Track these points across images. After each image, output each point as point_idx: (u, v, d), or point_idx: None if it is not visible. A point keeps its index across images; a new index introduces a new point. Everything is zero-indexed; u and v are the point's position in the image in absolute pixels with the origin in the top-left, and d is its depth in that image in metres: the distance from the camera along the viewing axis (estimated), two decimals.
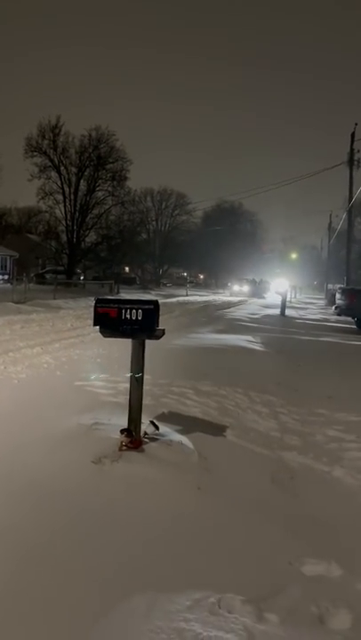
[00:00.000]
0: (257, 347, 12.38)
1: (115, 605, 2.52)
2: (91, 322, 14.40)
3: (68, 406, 5.66)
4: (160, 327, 4.64)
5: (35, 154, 45.85)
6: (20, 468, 3.87)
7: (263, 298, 47.58)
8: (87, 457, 4.16)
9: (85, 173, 47.92)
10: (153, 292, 44.54)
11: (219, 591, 2.73)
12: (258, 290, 51.58)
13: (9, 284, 32.82)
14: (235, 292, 51.42)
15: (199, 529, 3.40)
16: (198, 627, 2.42)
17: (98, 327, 4.71)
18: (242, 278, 57.09)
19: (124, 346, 7.89)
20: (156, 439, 4.71)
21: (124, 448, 4.34)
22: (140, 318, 4.54)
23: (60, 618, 2.41)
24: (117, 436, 4.52)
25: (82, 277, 52.97)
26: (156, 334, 4.64)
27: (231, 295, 48.46)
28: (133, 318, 4.55)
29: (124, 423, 4.68)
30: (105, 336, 4.77)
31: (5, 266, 45.51)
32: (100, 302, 4.74)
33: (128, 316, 4.56)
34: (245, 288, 51.89)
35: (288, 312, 26.33)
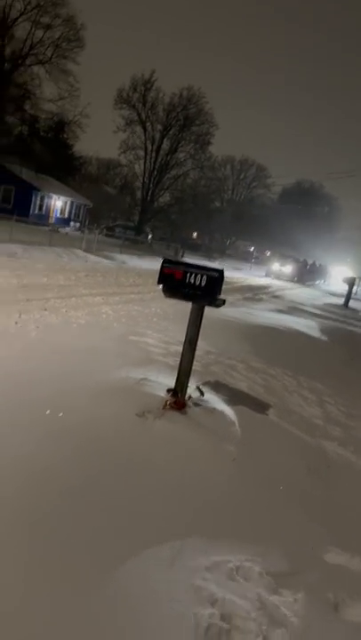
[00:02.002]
0: (314, 333, 12.16)
1: (141, 552, 2.63)
2: (152, 281, 14.58)
3: (120, 358, 5.81)
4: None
5: (124, 106, 45.84)
6: (68, 410, 4.04)
7: (311, 285, 38.05)
8: (132, 409, 4.29)
9: (170, 132, 47.51)
10: (216, 262, 43.14)
11: (238, 559, 2.80)
12: (306, 274, 40.13)
13: (79, 232, 33.50)
14: (273, 271, 37.41)
15: (228, 498, 3.47)
16: (214, 587, 2.50)
17: (161, 286, 4.76)
18: (286, 255, 41.89)
19: (181, 309, 7.96)
20: (200, 405, 4.78)
21: (168, 407, 4.43)
22: (203, 284, 4.55)
23: (92, 555, 2.54)
24: (163, 394, 4.63)
25: (149, 236, 53.29)
26: (216, 302, 4.65)
27: (266, 275, 36.56)
28: (197, 283, 4.56)
29: (170, 383, 4.77)
30: (166, 296, 4.81)
31: (79, 214, 46.29)
32: (166, 262, 4.78)
33: (192, 281, 4.58)
34: (288, 269, 37.74)
35: (353, 304, 25.52)
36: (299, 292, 26.62)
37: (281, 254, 42.02)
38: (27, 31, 36.48)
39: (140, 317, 8.84)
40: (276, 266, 38.14)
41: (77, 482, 3.08)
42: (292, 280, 36.06)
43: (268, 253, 42.16)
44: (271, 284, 28.80)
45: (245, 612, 2.40)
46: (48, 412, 3.91)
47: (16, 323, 6.50)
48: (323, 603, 2.66)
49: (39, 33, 36.66)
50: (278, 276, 36.15)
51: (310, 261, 45.98)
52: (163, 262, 4.80)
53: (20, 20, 35.95)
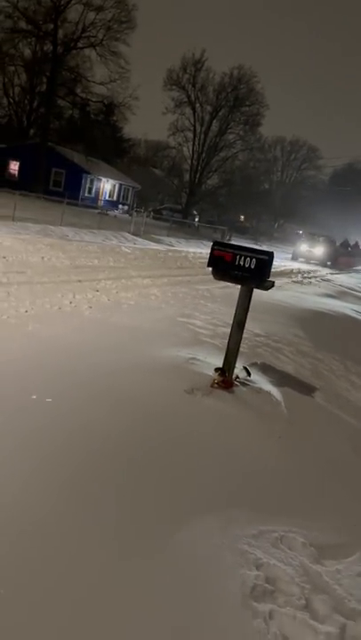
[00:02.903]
0: None
1: (192, 519, 2.80)
2: (199, 263, 14.71)
3: (169, 338, 5.98)
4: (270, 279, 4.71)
5: (173, 87, 45.57)
6: (123, 385, 4.25)
7: (349, 271, 31.74)
8: (181, 386, 4.46)
9: (220, 113, 46.95)
10: (263, 245, 41.54)
11: (283, 530, 2.93)
12: (342, 257, 34.12)
13: (128, 215, 33.87)
14: (301, 253, 31.39)
15: (273, 473, 3.59)
16: (260, 553, 2.64)
17: (210, 269, 4.87)
18: (317, 234, 34.68)
19: (228, 292, 8.05)
20: (247, 384, 4.90)
21: (216, 386, 4.57)
22: (252, 267, 4.64)
23: (147, 521, 2.73)
24: (211, 373, 4.77)
25: (197, 219, 53.17)
26: (265, 285, 4.73)
27: (293, 259, 30.81)
28: (246, 266, 4.65)
29: (218, 363, 4.91)
30: (216, 278, 4.93)
31: (127, 196, 46.73)
32: (216, 245, 4.89)
33: (241, 263, 4.67)
34: (319, 251, 31.43)
35: None
36: (342, 278, 26.05)
37: (311, 233, 34.89)
38: (79, 14, 36.67)
39: (188, 299, 8.99)
40: (304, 247, 31.63)
41: (134, 452, 3.28)
42: (323, 264, 30.47)
43: (300, 232, 34.89)
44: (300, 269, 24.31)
45: (289, 577, 2.53)
46: (108, 383, 4.13)
47: (70, 302, 6.78)
48: None
49: (91, 15, 36.79)
50: (308, 259, 30.69)
51: (352, 242, 39.68)
52: (213, 245, 4.91)
53: (72, 2, 36.16)
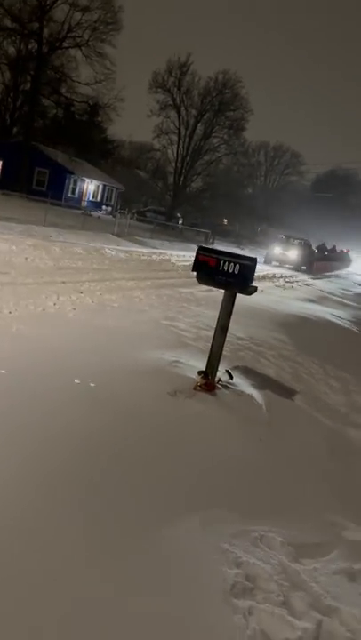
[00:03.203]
0: (343, 323, 12.19)
1: (174, 518, 2.87)
2: (183, 266, 14.76)
3: (153, 341, 6.05)
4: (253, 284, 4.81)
5: (158, 90, 45.70)
6: (107, 386, 4.30)
7: (327, 277, 29.48)
8: (164, 388, 4.52)
9: (204, 117, 47.19)
10: (246, 249, 41.31)
11: (262, 530, 3.02)
12: (318, 261, 31.78)
13: (111, 216, 33.83)
14: (274, 257, 28.83)
15: (254, 474, 3.68)
16: (240, 552, 2.72)
17: (194, 273, 4.96)
18: (292, 237, 32.14)
19: (212, 295, 8.13)
20: (229, 387, 4.99)
21: (199, 388, 4.65)
22: (236, 272, 4.73)
23: (129, 520, 2.79)
24: (194, 376, 4.85)
25: (180, 222, 53.35)
26: (248, 290, 4.83)
27: (266, 262, 27.30)
28: (230, 271, 4.74)
29: (201, 366, 4.99)
30: (200, 282, 5.02)
31: (111, 197, 46.67)
32: (201, 250, 4.97)
33: (225, 268, 4.76)
34: (293, 254, 29.09)
35: None
36: (322, 283, 26.40)
37: (286, 236, 32.27)
38: (65, 13, 36.57)
39: (172, 302, 9.06)
40: (277, 250, 29.20)
41: (115, 452, 3.33)
42: (298, 268, 28.35)
43: (281, 236, 32.09)
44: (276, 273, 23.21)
45: (268, 575, 2.62)
46: (91, 385, 4.18)
47: (54, 304, 6.80)
48: (340, 573, 2.86)
49: (77, 15, 36.74)
50: (282, 263, 28.40)
51: (330, 246, 36.83)
52: (198, 250, 5.00)
53: (58, 2, 36.04)
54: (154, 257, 17.83)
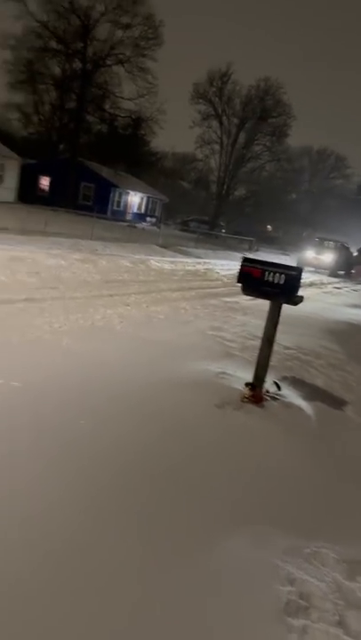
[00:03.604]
0: None
1: (226, 534, 2.86)
2: (228, 275, 14.72)
3: (199, 352, 6.06)
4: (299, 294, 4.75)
5: (200, 101, 46.14)
6: (152, 400, 4.35)
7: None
8: (211, 400, 4.52)
9: (246, 125, 47.28)
10: (290, 256, 39.47)
11: (315, 546, 2.96)
12: (354, 265, 28.00)
13: (155, 227, 34.23)
14: (306, 260, 24.95)
15: (304, 487, 3.62)
16: (292, 568, 2.68)
17: (240, 284, 4.95)
18: (326, 240, 28.61)
19: (259, 302, 8.09)
20: (277, 399, 4.94)
21: (246, 400, 4.63)
22: (281, 282, 4.69)
23: (180, 535, 2.80)
24: (241, 387, 4.83)
25: (223, 230, 53.34)
26: (294, 300, 4.78)
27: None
28: (275, 281, 4.71)
29: (247, 377, 4.96)
30: (245, 294, 5.01)
31: (155, 209, 47.27)
32: (246, 261, 4.96)
33: (270, 279, 4.73)
34: (328, 258, 26.16)
35: None
36: None
37: (320, 238, 29.03)
38: (107, 32, 37.53)
39: (218, 312, 9.06)
40: (310, 253, 26.09)
41: (165, 465, 3.36)
42: (333, 274, 25.52)
43: (304, 234, 27.40)
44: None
45: (322, 592, 2.56)
46: (139, 397, 4.23)
47: (102, 317, 6.94)
48: None
49: (119, 33, 37.66)
50: (316, 268, 25.24)
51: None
52: (242, 261, 4.99)
53: (100, 21, 37.03)
54: (198, 267, 17.90)
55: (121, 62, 38.20)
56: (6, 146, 33.22)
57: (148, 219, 42.88)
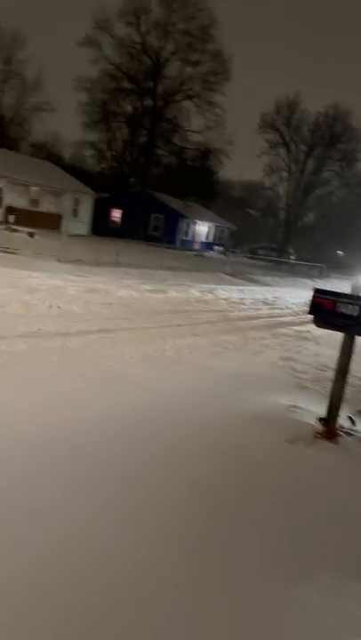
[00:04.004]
0: None
1: (296, 577, 2.75)
2: (297, 302, 14.40)
3: (269, 383, 5.98)
4: None
5: (268, 130, 46.49)
6: (224, 433, 4.32)
7: None
8: (282, 435, 4.42)
9: (315, 152, 47.01)
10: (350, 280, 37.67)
11: None
12: None
13: (223, 256, 34.43)
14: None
15: None
16: None
17: (311, 315, 4.86)
18: None
19: (331, 332, 7.87)
20: (352, 434, 4.75)
21: (319, 436, 4.49)
22: (355, 314, 4.56)
23: (245, 578, 2.74)
24: (313, 422, 4.70)
25: (293, 257, 52.73)
26: None
27: None
28: (348, 313, 4.59)
29: (320, 411, 4.82)
30: (317, 325, 4.91)
31: (222, 237, 47.64)
32: (317, 292, 4.88)
33: (343, 310, 4.61)
34: None
35: None
36: None
37: None
38: (177, 69, 38.92)
39: (289, 342, 8.92)
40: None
41: (238, 504, 3.30)
42: None
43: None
44: None
45: None
46: (206, 431, 4.22)
47: (172, 347, 7.02)
48: None
49: (188, 70, 38.94)
50: None
51: None
52: (313, 292, 4.91)
53: (171, 60, 38.49)
54: (267, 295, 17.75)
55: (190, 97, 39.38)
56: (81, 181, 34.93)
57: (216, 247, 43.22)
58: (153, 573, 2.55)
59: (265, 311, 13.04)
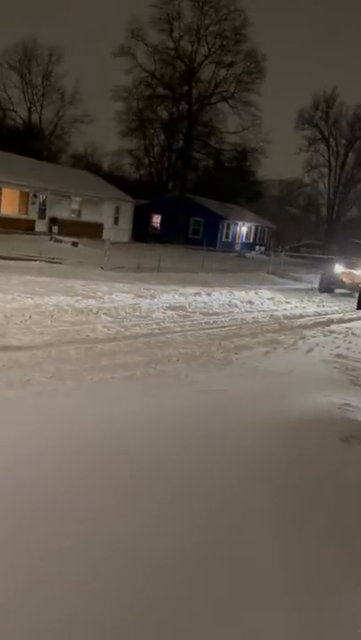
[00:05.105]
0: None
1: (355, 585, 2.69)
2: (346, 299, 13.94)
3: (321, 382, 5.87)
4: None
5: (305, 126, 45.87)
6: (278, 430, 4.26)
7: None
8: (336, 434, 4.33)
9: (355, 145, 46.00)
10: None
11: None
12: None
13: (265, 256, 34.13)
14: (332, 279, 17.32)
15: None
16: None
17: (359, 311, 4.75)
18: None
19: None
20: None
21: None
22: None
23: (315, 584, 2.69)
24: None
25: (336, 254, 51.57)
26: None
27: (321, 289, 17.30)
28: None
29: None
30: None
31: (263, 237, 47.25)
32: None
33: None
34: None
35: None
36: None
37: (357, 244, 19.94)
38: (211, 72, 38.95)
39: (339, 339, 8.74)
40: (338, 268, 17.11)
41: (298, 505, 3.25)
42: None
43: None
44: None
45: None
46: (262, 431, 4.18)
47: (218, 349, 7.00)
48: None
49: (222, 72, 38.94)
50: (350, 289, 15.85)
51: None
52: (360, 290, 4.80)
53: (204, 63, 38.56)
54: (311, 292, 17.44)
55: (225, 99, 39.35)
56: (121, 189, 35.45)
57: (258, 247, 42.88)
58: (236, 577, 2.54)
59: (311, 309, 12.80)
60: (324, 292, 16.98)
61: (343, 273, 16.83)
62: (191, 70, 38.39)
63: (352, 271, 16.69)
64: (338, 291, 16.95)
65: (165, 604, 2.28)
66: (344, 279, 16.65)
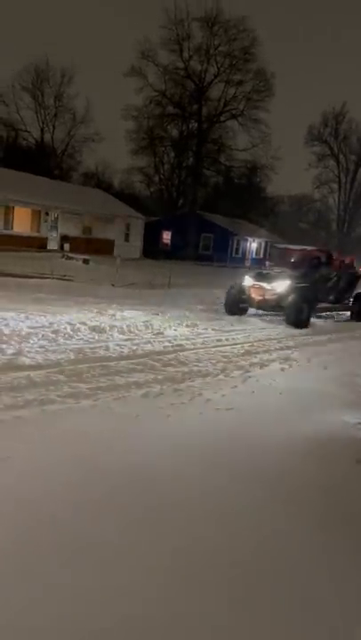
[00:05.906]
0: None
1: None
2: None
3: (335, 401, 5.82)
4: None
5: (315, 142, 46.16)
6: (290, 452, 4.22)
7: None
8: (350, 455, 4.28)
9: None
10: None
11: None
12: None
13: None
14: (235, 295, 12.58)
15: None
16: None
17: None
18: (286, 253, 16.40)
19: None
20: None
21: None
22: None
23: (330, 614, 2.64)
24: None
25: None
26: None
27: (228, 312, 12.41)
28: None
29: None
30: None
31: (273, 253, 47.28)
32: None
33: None
34: (279, 287, 11.72)
35: None
36: None
37: (280, 248, 17.78)
38: (220, 91, 39.41)
39: (357, 356, 8.69)
40: (247, 281, 12.54)
41: (311, 528, 3.21)
42: (293, 320, 11.52)
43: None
44: None
45: None
46: (278, 453, 4.15)
47: (236, 367, 6.98)
48: None
49: (231, 90, 39.39)
50: (259, 308, 12.49)
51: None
52: None
53: (214, 82, 39.05)
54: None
55: (234, 117, 39.74)
56: (131, 206, 35.77)
57: (268, 263, 42.83)
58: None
59: (320, 323, 12.75)
60: (232, 313, 12.38)
61: (252, 287, 12.29)
62: (201, 89, 38.89)
63: (262, 284, 12.13)
64: (252, 310, 12.76)
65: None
66: (253, 295, 12.21)
